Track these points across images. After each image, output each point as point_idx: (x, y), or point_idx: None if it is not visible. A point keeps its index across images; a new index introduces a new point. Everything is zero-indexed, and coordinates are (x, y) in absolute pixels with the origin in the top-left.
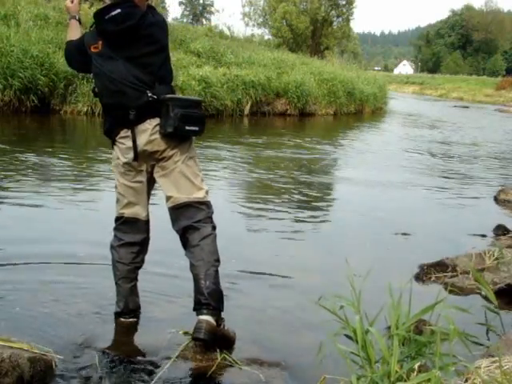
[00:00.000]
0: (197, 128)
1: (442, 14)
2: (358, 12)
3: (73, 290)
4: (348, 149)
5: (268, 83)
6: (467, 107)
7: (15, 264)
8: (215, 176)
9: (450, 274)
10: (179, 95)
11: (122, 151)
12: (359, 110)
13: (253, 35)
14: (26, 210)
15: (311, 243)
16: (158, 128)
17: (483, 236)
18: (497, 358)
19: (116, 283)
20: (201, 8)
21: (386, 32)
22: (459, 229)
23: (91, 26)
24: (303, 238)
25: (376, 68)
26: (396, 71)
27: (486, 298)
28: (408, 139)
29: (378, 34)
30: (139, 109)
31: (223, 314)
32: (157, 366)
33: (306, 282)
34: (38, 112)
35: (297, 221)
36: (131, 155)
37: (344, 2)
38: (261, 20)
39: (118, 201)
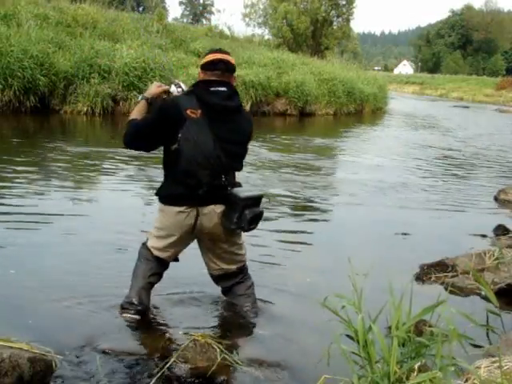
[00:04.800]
0: (256, 226)
1: (442, 14)
2: (358, 12)
3: (74, 290)
4: (347, 149)
5: (268, 83)
6: (467, 107)
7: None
8: None
9: (450, 274)
10: (249, 192)
11: (179, 223)
12: (359, 110)
13: (253, 35)
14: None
15: (311, 243)
16: (221, 215)
17: (483, 236)
18: (497, 358)
19: (134, 273)
20: (201, 8)
21: (386, 32)
22: (459, 229)
23: (186, 93)
24: (303, 237)
25: (376, 68)
26: (396, 71)
27: (486, 298)
28: (407, 140)
29: (378, 33)
30: (210, 188)
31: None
32: (157, 366)
33: (307, 281)
34: (38, 112)
35: (296, 221)
36: (185, 230)
37: (344, 2)
38: (261, 20)
39: (157, 237)
